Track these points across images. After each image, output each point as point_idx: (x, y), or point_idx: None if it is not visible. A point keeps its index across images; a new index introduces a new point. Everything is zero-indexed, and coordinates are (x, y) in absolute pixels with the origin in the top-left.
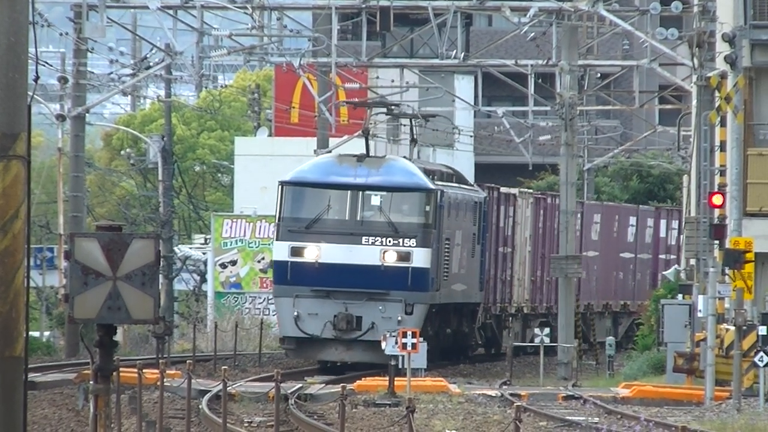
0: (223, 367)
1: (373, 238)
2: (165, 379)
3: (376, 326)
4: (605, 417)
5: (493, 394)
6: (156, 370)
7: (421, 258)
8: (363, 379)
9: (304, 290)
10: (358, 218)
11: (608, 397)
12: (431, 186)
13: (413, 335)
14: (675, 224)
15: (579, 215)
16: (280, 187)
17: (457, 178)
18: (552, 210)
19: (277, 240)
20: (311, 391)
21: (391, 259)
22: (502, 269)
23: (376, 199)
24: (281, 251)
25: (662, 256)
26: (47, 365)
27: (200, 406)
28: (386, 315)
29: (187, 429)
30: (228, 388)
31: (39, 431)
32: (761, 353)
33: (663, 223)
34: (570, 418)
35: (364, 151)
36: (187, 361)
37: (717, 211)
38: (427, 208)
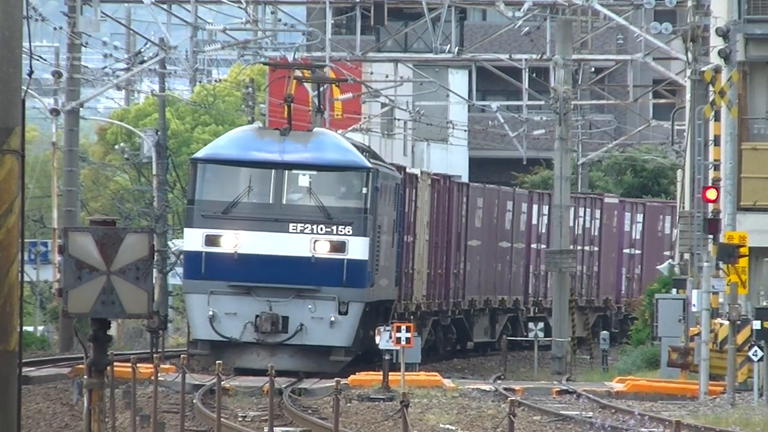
0: (218, 362)
1: (302, 225)
2: (159, 374)
3: (305, 328)
4: (599, 411)
5: (488, 389)
6: (150, 365)
7: (357, 249)
8: (357, 373)
9: (221, 286)
10: (284, 202)
11: (602, 392)
12: (368, 164)
13: (407, 330)
14: (546, 209)
15: (465, 198)
16: (191, 165)
17: (372, 155)
18: (444, 193)
19: (188, 227)
20: (305, 385)
21: (322, 249)
22: (406, 261)
23: (304, 179)
24: (194, 240)
25: (534, 246)
26: (41, 360)
27: (194, 401)
28: (317, 315)
29: (181, 423)
30: (222, 383)
31: (33, 425)
32: (755, 348)
33: (535, 208)
34: (564, 412)
35: (300, 126)
36: (182, 356)
37: (711, 206)
38: (364, 190)
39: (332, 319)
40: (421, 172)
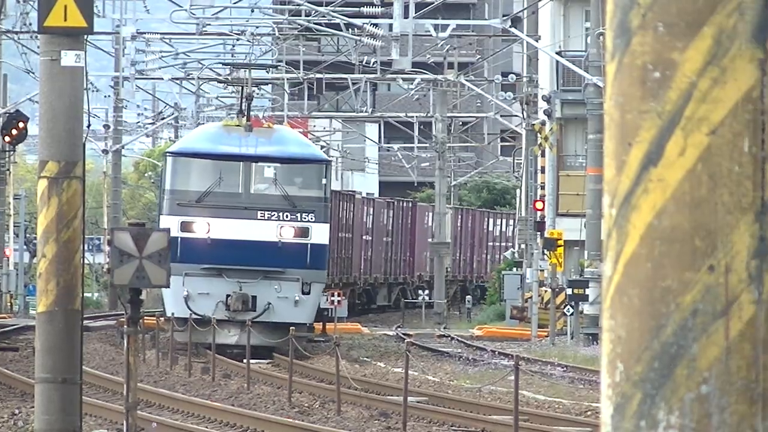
0: (213, 317)
1: (269, 212)
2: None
3: (271, 307)
4: (465, 348)
5: (392, 334)
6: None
7: (319, 234)
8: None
9: (195, 268)
10: (252, 191)
11: (468, 336)
12: (326, 157)
13: (339, 295)
14: (352, 207)
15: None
16: (165, 158)
17: None
18: None
19: (163, 214)
20: None
21: (288, 234)
22: None
23: (269, 170)
24: (169, 226)
25: (366, 237)
26: (96, 315)
27: (198, 344)
28: (282, 294)
29: (188, 358)
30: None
31: (91, 359)
32: (568, 306)
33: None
34: (442, 349)
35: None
36: (189, 314)
37: (539, 213)
38: (324, 181)
39: (296, 298)
40: None
